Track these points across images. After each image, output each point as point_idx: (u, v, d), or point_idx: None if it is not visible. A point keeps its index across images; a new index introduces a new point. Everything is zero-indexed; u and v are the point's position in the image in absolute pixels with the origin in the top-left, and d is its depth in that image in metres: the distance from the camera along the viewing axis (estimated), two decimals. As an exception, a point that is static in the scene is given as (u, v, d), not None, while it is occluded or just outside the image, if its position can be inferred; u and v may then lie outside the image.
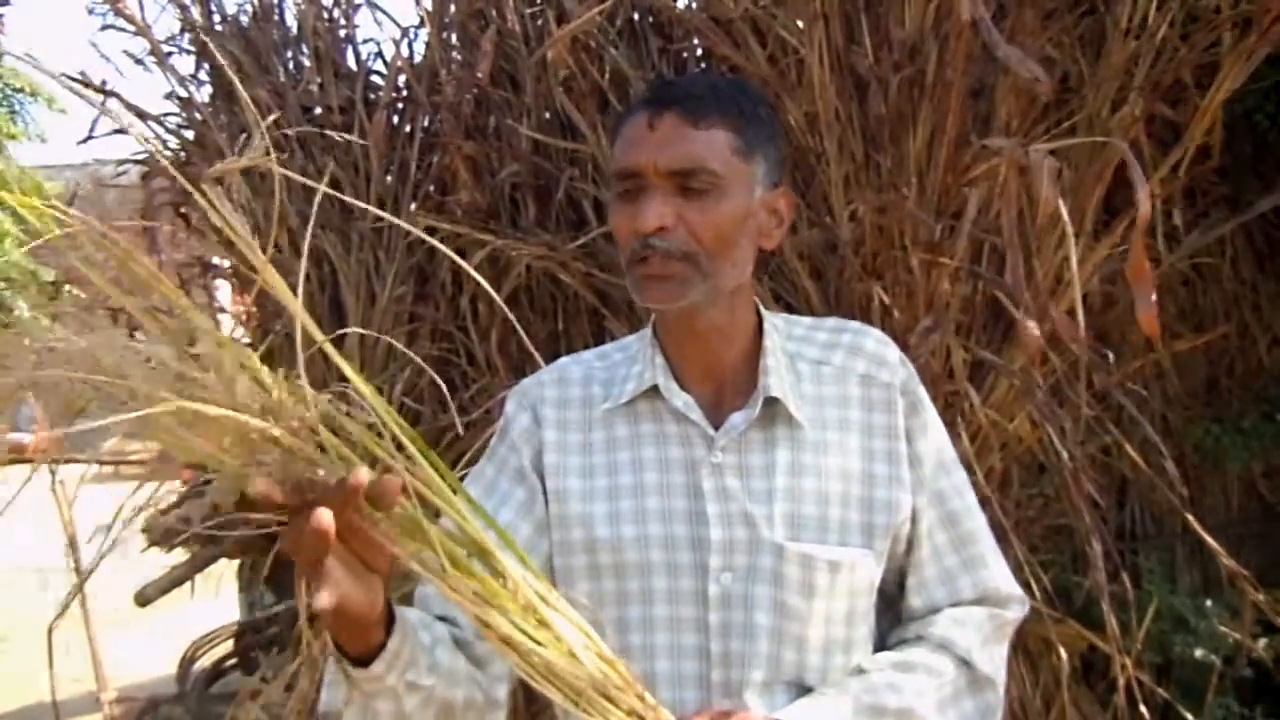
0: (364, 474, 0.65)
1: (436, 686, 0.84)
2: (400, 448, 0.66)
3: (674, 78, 1.06)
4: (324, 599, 0.66)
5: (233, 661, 3.15)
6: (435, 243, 0.89)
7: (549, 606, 0.72)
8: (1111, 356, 1.83)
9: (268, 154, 0.56)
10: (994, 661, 0.98)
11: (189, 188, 0.58)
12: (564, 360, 1.08)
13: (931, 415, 1.02)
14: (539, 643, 0.71)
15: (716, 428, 0.97)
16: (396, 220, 0.75)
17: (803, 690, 0.93)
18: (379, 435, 0.66)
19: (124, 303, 0.59)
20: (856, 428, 0.98)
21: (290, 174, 0.64)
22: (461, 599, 0.69)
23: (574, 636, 0.73)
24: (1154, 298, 1.22)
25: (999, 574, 1.02)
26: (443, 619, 0.93)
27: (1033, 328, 1.37)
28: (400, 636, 0.79)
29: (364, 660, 0.78)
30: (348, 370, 0.63)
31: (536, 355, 1.17)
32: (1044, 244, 1.80)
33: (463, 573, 0.69)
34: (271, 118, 0.61)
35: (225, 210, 0.54)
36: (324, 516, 0.65)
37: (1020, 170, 1.40)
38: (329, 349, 0.61)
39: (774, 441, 0.96)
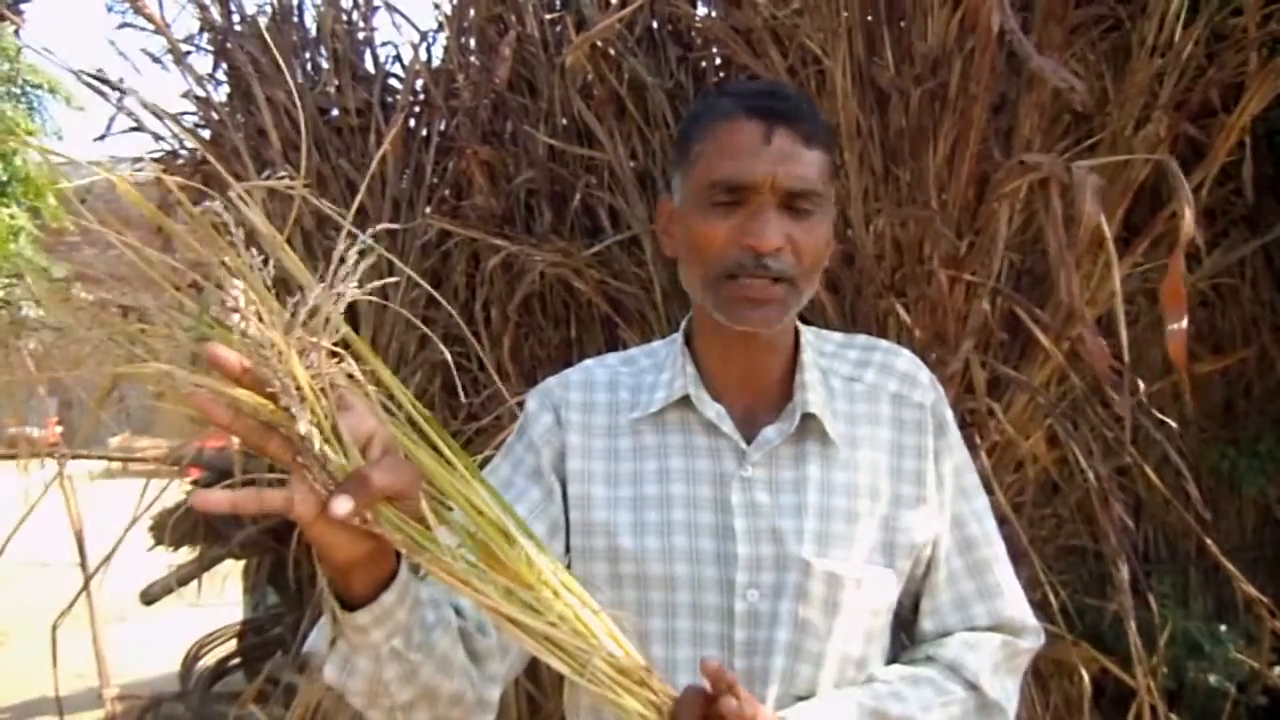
0: (341, 509, 0.66)
1: (423, 668, 0.81)
2: (415, 427, 0.67)
3: (763, 87, 1.03)
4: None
5: (236, 661, 3.15)
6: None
7: (556, 576, 0.71)
8: (1141, 385, 1.80)
9: (291, 179, 0.58)
10: (1005, 689, 0.96)
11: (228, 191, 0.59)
12: (588, 363, 1.06)
13: (956, 439, 1.01)
14: (537, 610, 0.69)
15: (746, 440, 0.96)
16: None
17: None
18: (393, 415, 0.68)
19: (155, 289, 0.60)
20: (886, 447, 0.97)
21: (312, 199, 0.65)
22: (448, 575, 0.68)
23: (582, 609, 0.72)
24: (1186, 321, 1.19)
25: (1014, 603, 1.00)
26: (453, 608, 0.90)
27: (1100, 345, 1.35)
28: (397, 598, 0.76)
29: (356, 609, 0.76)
30: (366, 352, 0.65)
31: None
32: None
33: (462, 539, 0.68)
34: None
35: (253, 215, 0.55)
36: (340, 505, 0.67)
37: (1062, 188, 1.38)
38: (350, 334, 0.62)
39: (805, 457, 0.95)
